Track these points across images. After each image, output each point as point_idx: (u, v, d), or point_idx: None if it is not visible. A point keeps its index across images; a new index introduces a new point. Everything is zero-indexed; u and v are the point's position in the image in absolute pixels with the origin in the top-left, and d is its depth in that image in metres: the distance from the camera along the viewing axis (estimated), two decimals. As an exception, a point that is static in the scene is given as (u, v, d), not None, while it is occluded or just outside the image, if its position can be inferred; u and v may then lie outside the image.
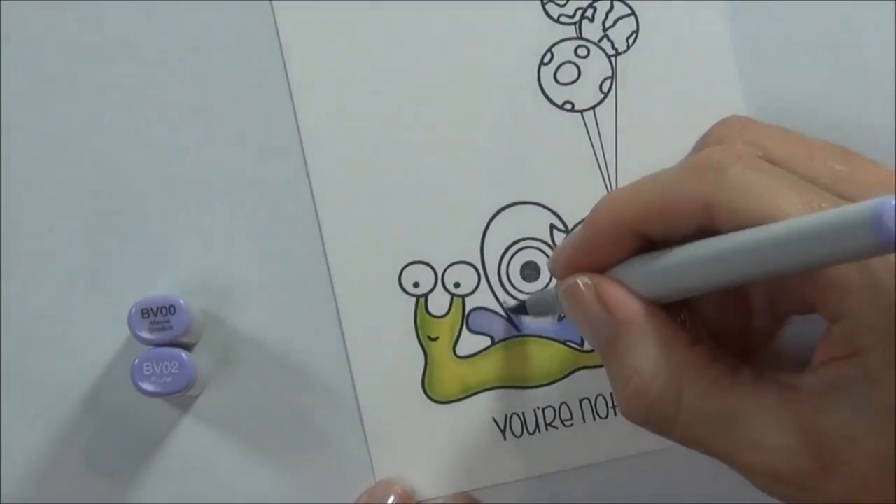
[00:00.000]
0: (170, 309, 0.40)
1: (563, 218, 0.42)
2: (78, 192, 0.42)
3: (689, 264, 0.31)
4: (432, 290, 0.42)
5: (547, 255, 0.42)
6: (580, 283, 0.34)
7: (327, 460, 0.42)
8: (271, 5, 0.42)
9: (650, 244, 0.33)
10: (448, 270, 0.42)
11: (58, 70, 0.42)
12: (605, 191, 0.42)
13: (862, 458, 0.29)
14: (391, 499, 0.40)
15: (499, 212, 0.42)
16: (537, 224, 0.42)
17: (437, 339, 0.42)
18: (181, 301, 0.41)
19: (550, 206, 0.42)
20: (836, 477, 0.30)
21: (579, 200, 0.41)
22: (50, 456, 0.42)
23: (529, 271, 0.42)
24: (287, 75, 0.42)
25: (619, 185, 0.41)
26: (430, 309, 0.42)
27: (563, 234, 0.42)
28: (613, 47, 0.42)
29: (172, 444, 0.42)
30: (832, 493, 0.30)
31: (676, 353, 0.32)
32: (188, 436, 0.42)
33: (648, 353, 0.32)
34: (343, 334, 0.42)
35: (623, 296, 0.33)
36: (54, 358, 0.42)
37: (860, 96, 0.41)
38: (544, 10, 0.42)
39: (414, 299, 0.42)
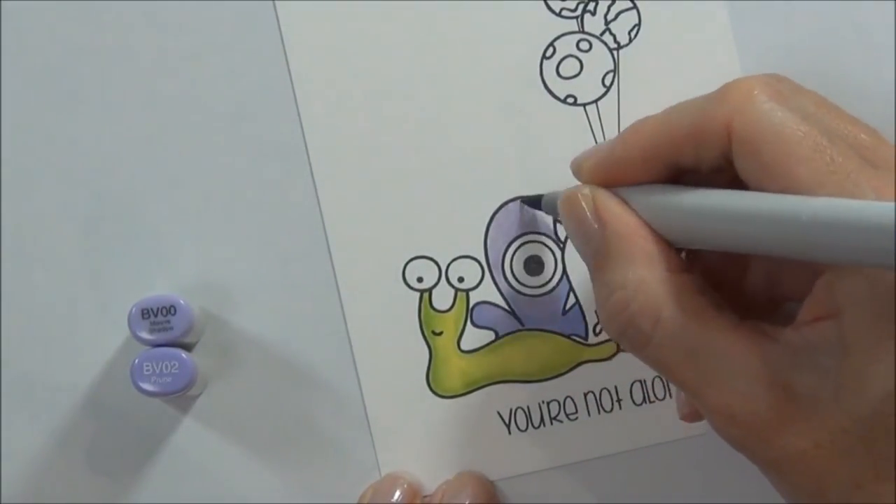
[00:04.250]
0: (170, 309, 0.40)
1: (566, 212, 0.42)
2: (78, 192, 0.42)
3: (690, 212, 0.31)
4: (436, 284, 0.42)
5: (551, 249, 0.42)
6: (580, 192, 0.34)
7: (332, 456, 0.41)
8: (274, 4, 0.42)
9: (678, 176, 0.33)
10: (452, 265, 0.42)
11: (58, 70, 0.42)
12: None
13: (821, 420, 0.29)
14: (397, 493, 0.40)
15: (502, 206, 0.42)
16: (541, 218, 0.42)
17: (441, 333, 0.42)
18: (181, 301, 0.40)
19: (554, 200, 0.42)
20: (792, 432, 0.29)
21: (582, 194, 0.42)
22: (50, 456, 0.42)
23: (533, 265, 0.42)
24: (290, 73, 0.42)
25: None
26: (434, 304, 0.42)
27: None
28: (615, 41, 0.42)
29: (172, 444, 0.42)
30: (785, 447, 0.29)
31: (664, 274, 0.32)
32: (188, 436, 0.42)
33: (635, 269, 0.32)
34: (347, 330, 0.41)
35: (620, 210, 0.33)
36: (54, 358, 0.42)
37: (860, 96, 0.42)
38: (546, 4, 0.42)
39: (418, 294, 0.42)
